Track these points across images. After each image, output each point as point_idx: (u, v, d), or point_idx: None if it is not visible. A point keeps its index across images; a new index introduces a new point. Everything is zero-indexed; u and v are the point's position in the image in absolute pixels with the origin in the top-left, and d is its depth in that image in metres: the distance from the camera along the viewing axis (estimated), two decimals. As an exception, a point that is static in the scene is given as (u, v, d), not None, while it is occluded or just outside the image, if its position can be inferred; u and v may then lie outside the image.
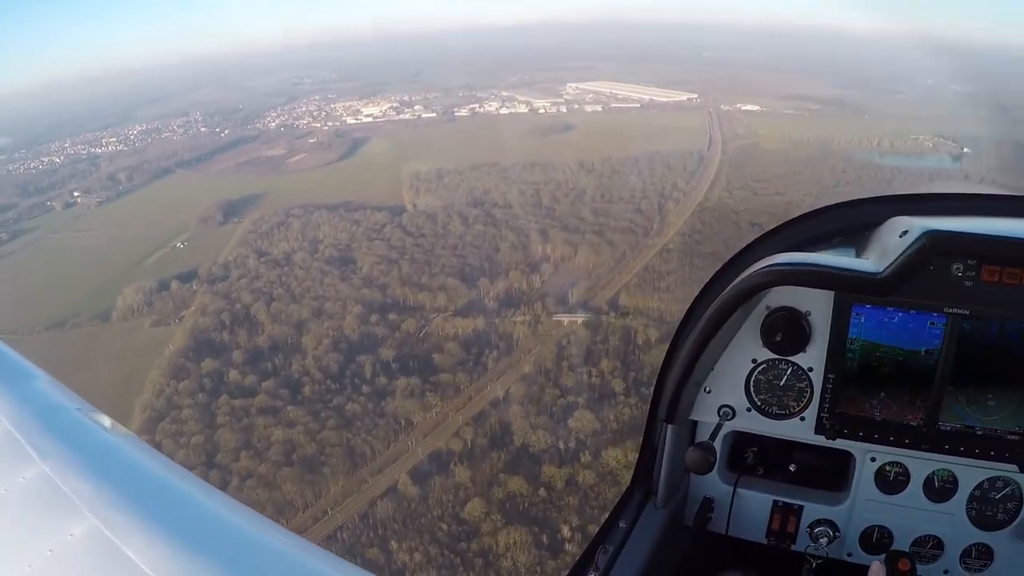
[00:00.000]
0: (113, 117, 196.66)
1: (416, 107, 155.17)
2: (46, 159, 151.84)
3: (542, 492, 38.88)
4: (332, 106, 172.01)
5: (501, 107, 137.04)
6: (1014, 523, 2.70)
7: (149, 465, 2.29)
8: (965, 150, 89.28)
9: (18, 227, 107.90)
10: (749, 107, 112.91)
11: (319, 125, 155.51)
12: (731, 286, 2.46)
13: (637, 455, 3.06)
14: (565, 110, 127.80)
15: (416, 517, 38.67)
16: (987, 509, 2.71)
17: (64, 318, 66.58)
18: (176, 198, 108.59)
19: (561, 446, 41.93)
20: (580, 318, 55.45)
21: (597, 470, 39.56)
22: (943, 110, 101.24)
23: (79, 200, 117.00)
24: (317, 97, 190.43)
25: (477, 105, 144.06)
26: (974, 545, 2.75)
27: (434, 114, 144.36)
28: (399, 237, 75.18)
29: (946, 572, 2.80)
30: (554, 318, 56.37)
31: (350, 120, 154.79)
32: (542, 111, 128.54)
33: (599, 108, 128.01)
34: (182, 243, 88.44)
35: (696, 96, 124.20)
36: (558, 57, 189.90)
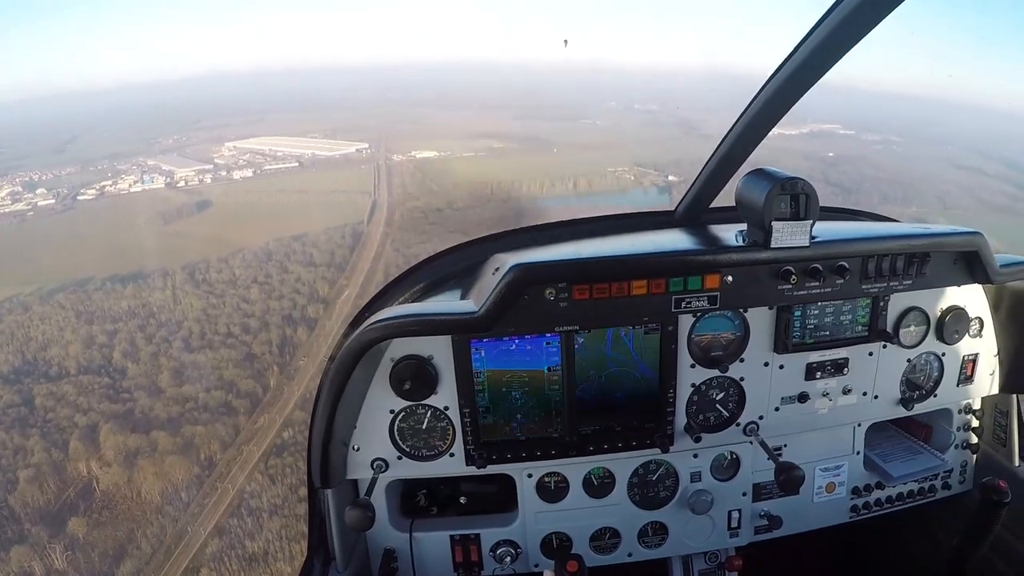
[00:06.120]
0: None
1: (39, 191, 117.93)
2: None
3: None
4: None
5: (136, 182, 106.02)
6: (676, 496, 2.99)
7: None
8: (671, 178, 79.64)
9: None
10: (426, 154, 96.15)
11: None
12: (344, 347, 2.43)
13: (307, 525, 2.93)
14: (210, 180, 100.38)
15: None
16: (649, 491, 2.98)
17: None
18: None
19: None
20: None
21: None
22: (633, 135, 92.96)
23: None
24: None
25: (110, 182, 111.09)
26: (648, 524, 3.01)
27: (53, 200, 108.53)
28: None
29: (630, 555, 3.04)
30: None
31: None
32: (181, 184, 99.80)
33: (250, 173, 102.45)
34: None
35: (367, 146, 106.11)
36: (227, 110, 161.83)
